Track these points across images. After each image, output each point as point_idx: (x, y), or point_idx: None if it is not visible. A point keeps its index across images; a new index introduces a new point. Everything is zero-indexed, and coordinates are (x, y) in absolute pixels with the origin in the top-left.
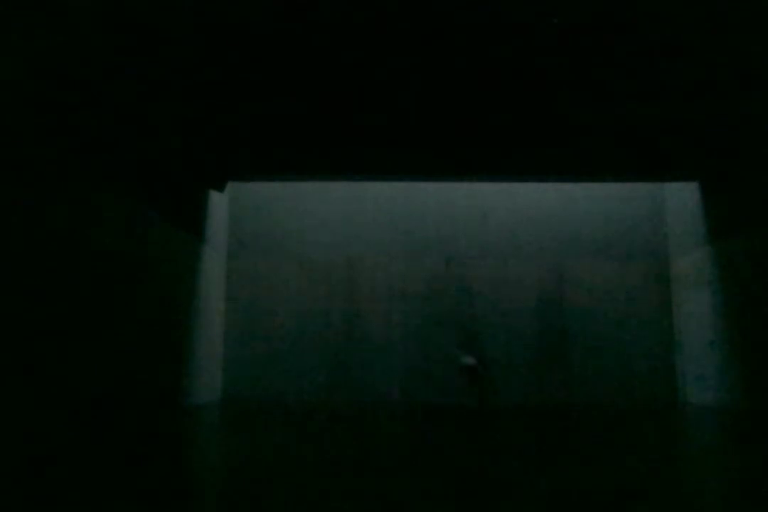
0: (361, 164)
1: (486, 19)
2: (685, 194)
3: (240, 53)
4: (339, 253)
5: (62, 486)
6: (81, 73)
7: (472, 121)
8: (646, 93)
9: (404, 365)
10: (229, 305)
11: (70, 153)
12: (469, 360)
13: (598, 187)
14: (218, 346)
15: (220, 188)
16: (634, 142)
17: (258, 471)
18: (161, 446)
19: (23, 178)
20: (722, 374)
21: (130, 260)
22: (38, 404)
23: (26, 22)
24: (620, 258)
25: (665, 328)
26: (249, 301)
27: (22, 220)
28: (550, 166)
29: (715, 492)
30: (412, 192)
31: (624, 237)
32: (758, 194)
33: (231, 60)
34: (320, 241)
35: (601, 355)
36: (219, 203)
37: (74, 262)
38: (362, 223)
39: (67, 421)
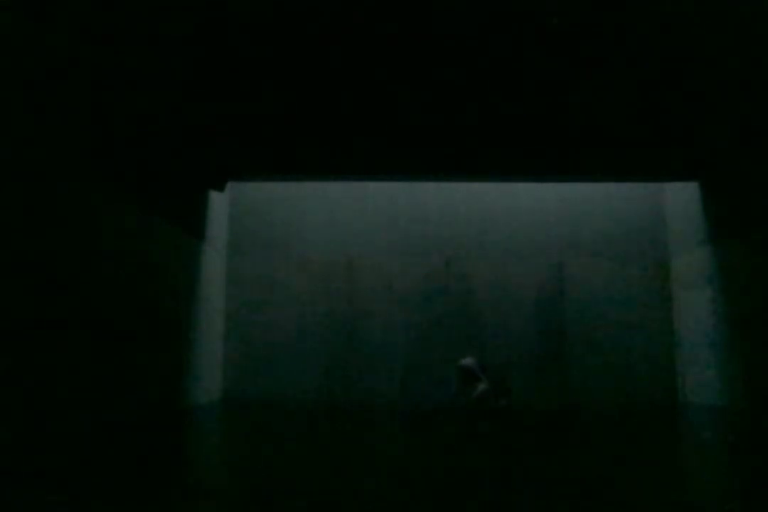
0: (361, 164)
1: (486, 16)
2: (685, 194)
3: (240, 53)
4: (339, 253)
5: (63, 486)
6: (79, 73)
7: (473, 120)
8: (646, 93)
9: (404, 365)
10: (229, 305)
11: (70, 154)
12: (467, 361)
13: (598, 187)
14: (218, 346)
15: (220, 188)
16: (634, 142)
17: (258, 472)
18: (161, 446)
19: (23, 181)
20: (722, 374)
21: (130, 260)
22: (38, 403)
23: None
24: (620, 258)
25: (665, 328)
26: (249, 301)
27: (22, 222)
28: (550, 166)
29: (716, 492)
30: (413, 192)
31: (624, 237)
32: (758, 194)
33: (231, 60)
34: (320, 240)
35: (601, 355)
36: (219, 203)
37: (74, 263)
38: (362, 223)
39: (68, 421)
